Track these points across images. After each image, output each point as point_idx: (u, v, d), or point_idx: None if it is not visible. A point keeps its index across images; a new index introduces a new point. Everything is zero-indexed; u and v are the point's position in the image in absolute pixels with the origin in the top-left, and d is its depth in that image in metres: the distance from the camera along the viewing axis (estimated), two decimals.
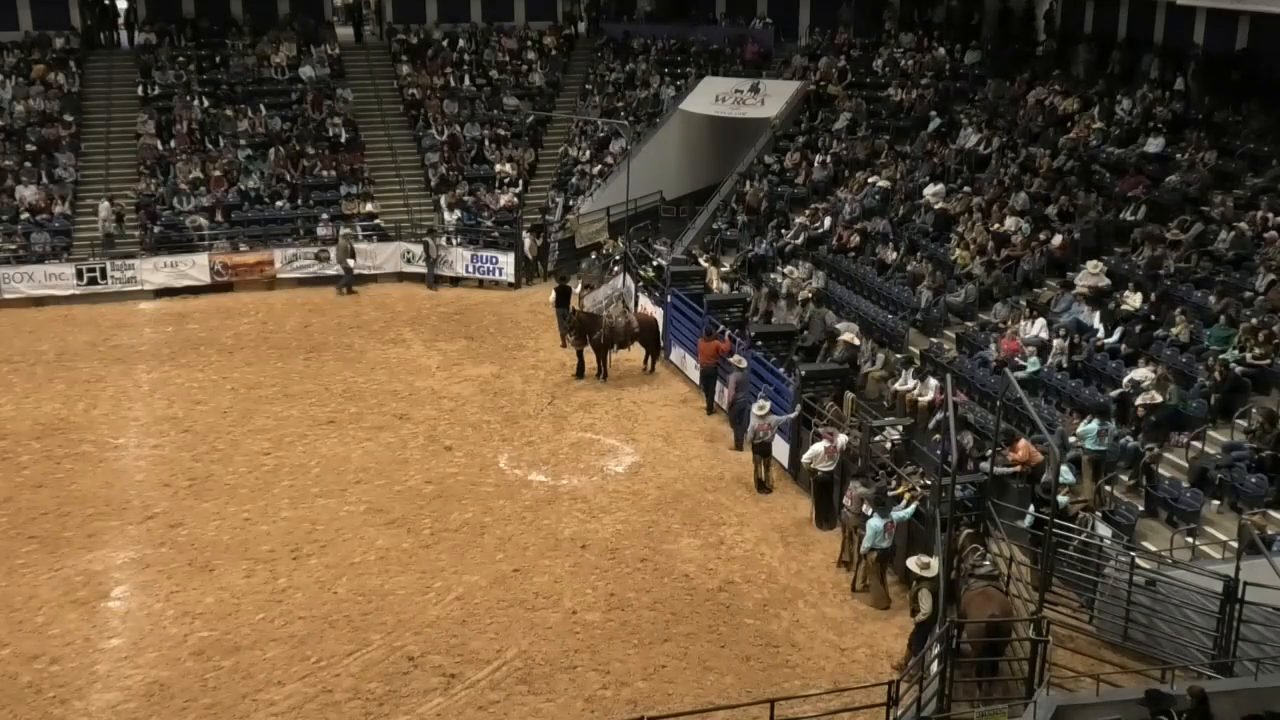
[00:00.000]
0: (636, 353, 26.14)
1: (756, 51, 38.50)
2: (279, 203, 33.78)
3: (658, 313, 26.85)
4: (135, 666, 15.48)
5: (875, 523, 16.68)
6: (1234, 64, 28.09)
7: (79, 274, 30.82)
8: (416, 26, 39.84)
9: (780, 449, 21.12)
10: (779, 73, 37.01)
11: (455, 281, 32.61)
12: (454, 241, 33.00)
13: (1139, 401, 19.22)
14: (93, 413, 23.78)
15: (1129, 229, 24.72)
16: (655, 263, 29.40)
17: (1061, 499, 16.80)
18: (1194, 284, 22.06)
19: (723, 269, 28.86)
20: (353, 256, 31.87)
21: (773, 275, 28.00)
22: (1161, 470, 18.50)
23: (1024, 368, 21.37)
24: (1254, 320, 20.14)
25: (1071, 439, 18.85)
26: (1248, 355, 19.58)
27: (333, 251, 32.17)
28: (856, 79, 36.12)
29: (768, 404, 20.70)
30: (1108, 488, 18.23)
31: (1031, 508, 17.10)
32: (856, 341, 23.14)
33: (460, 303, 31.26)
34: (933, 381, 21.78)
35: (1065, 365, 21.43)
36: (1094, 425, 18.75)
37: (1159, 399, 19.12)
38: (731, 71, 37.28)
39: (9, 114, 34.13)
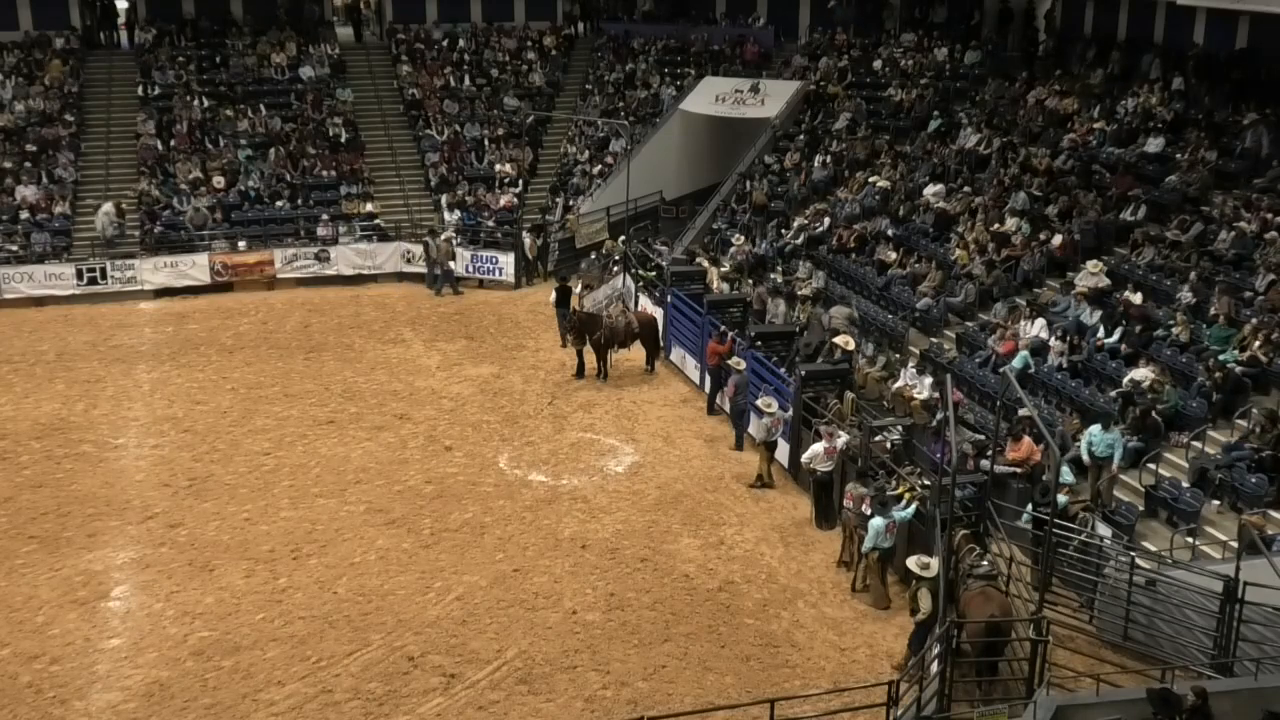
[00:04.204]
0: (636, 353, 26.14)
1: (756, 51, 38.52)
2: (279, 203, 33.78)
3: (658, 313, 26.85)
4: (135, 666, 15.48)
5: (877, 522, 16.67)
6: (1234, 64, 28.11)
7: (79, 274, 30.82)
8: (416, 26, 39.86)
9: (780, 449, 21.13)
10: (779, 73, 37.02)
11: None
12: (454, 241, 32.97)
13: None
14: (93, 413, 23.78)
15: (1129, 229, 24.73)
16: (655, 263, 29.42)
17: (1061, 498, 16.80)
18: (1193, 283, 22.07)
19: (723, 269, 28.88)
20: (453, 259, 31.80)
21: (772, 275, 28.05)
22: (1161, 470, 18.51)
23: (1016, 366, 21.38)
24: (1254, 320, 20.14)
25: (1076, 442, 18.82)
26: (1248, 355, 19.56)
27: (333, 252, 32.28)
28: (856, 79, 36.14)
29: (774, 401, 20.74)
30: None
31: (1030, 506, 17.09)
32: (852, 345, 23.13)
33: (460, 303, 31.27)
34: (928, 379, 21.77)
35: (1065, 365, 21.43)
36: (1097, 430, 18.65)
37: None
38: (731, 71, 37.30)
39: (9, 114, 34.13)
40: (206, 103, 35.75)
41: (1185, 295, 21.63)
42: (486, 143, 36.71)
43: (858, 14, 39.00)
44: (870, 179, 30.71)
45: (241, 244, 32.14)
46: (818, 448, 19.05)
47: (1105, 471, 18.32)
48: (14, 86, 34.81)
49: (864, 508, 17.20)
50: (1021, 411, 18.50)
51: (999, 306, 23.93)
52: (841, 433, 19.26)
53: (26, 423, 23.20)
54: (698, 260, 29.29)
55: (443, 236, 32.12)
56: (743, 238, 29.89)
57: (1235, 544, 16.05)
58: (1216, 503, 17.66)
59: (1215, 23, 29.15)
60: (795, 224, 30.29)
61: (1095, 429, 18.56)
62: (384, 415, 23.66)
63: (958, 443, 16.22)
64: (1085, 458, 18.38)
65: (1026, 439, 18.90)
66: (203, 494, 20.27)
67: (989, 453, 17.39)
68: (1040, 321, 22.45)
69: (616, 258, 30.67)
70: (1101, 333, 21.81)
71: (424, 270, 32.23)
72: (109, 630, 16.31)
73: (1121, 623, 15.58)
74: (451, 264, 31.78)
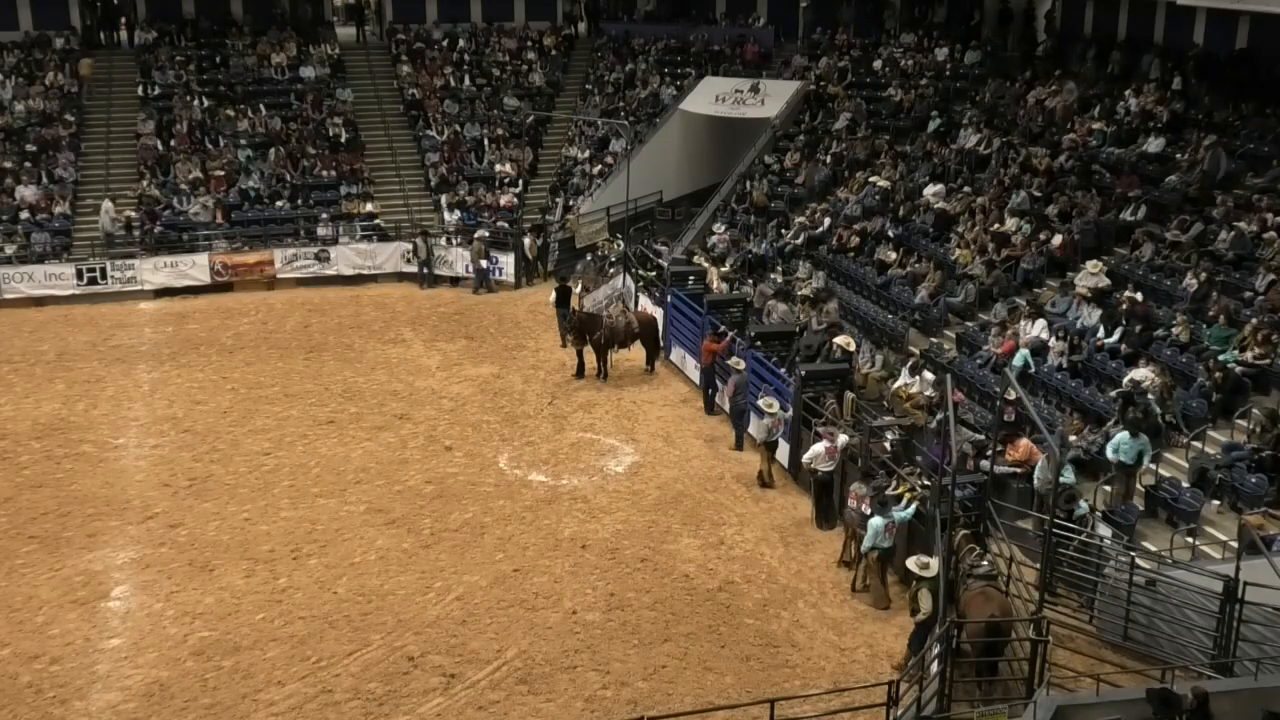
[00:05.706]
0: (636, 353, 26.14)
1: (756, 51, 38.53)
2: (279, 203, 33.79)
3: (658, 313, 26.85)
4: (135, 666, 15.49)
5: (877, 522, 16.67)
6: (1234, 64, 28.09)
7: (79, 274, 30.84)
8: (416, 26, 39.87)
9: (780, 449, 21.13)
10: (779, 73, 37.04)
11: (455, 282, 32.61)
12: (454, 241, 32.99)
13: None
14: (93, 413, 23.78)
15: (1129, 229, 24.72)
16: (655, 263, 29.41)
17: (1084, 506, 16.78)
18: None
19: (723, 269, 28.88)
20: (486, 258, 31.85)
21: (772, 275, 28.04)
22: (1161, 470, 18.49)
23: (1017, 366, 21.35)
24: (1254, 320, 20.13)
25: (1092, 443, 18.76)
26: (1248, 355, 19.55)
27: (333, 252, 32.32)
28: (856, 79, 36.14)
29: (775, 401, 20.73)
30: (1107, 488, 18.21)
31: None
32: (852, 345, 23.12)
33: (460, 303, 31.27)
34: (928, 376, 21.76)
35: (1065, 365, 21.42)
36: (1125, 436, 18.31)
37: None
38: (731, 71, 37.32)
39: (9, 114, 34.12)
40: (206, 103, 35.77)
41: (1190, 284, 21.61)
42: (486, 143, 36.72)
43: (857, 14, 39.04)
44: (870, 179, 30.71)
45: (236, 243, 32.15)
46: (819, 448, 19.05)
47: (1128, 476, 18.18)
48: (14, 86, 34.81)
49: (864, 507, 17.20)
50: (1010, 396, 18.36)
51: (999, 306, 23.93)
52: (840, 433, 19.26)
53: (26, 423, 23.21)
54: (697, 259, 29.31)
55: (476, 235, 32.22)
56: (724, 227, 29.93)
57: (1235, 544, 16.04)
58: (1216, 503, 17.64)
59: (1215, 23, 29.15)
60: (795, 224, 30.30)
61: (1124, 435, 18.00)
62: (384, 415, 23.66)
63: (958, 443, 16.21)
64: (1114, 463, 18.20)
65: (1024, 441, 18.89)
66: (203, 494, 20.27)
67: (989, 453, 17.38)
68: (1040, 322, 22.44)
69: (613, 258, 30.68)
70: (1101, 333, 21.81)
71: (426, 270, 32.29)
72: (109, 630, 16.31)
73: (1121, 623, 15.57)
74: (484, 263, 31.84)
